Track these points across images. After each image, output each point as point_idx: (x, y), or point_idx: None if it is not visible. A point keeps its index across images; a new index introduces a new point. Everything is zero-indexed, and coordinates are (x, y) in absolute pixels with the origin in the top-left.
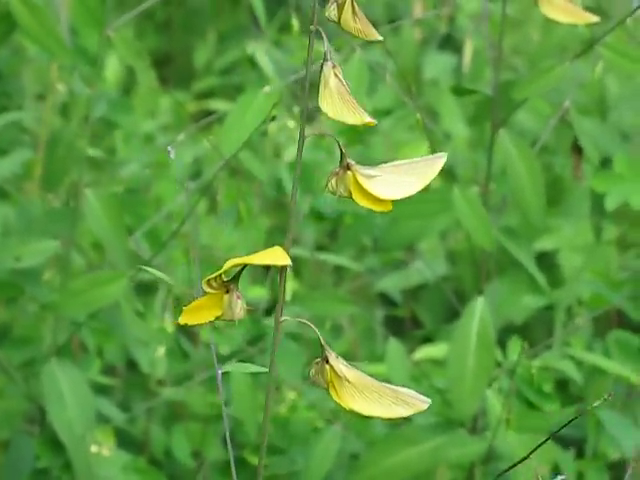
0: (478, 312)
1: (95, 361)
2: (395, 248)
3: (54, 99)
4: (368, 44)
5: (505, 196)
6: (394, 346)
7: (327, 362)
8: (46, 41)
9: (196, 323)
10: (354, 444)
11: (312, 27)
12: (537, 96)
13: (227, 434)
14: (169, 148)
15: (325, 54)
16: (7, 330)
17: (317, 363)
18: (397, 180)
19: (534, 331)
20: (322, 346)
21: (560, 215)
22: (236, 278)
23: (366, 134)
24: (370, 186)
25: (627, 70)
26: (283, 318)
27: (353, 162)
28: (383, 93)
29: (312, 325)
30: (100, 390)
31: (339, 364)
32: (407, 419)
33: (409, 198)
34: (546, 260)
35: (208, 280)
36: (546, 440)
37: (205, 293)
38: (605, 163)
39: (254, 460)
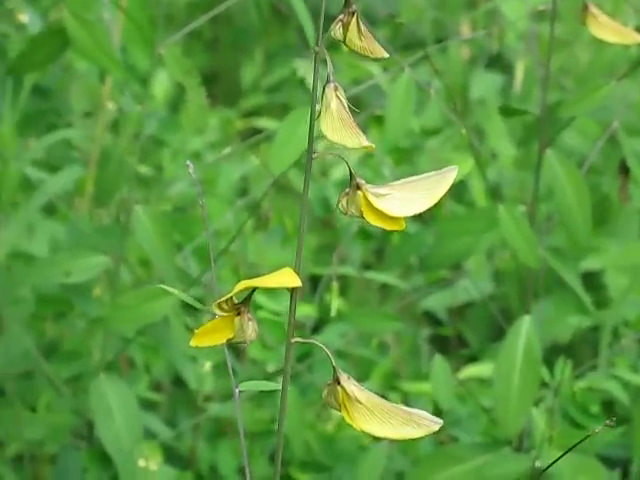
0: (524, 331)
1: (143, 377)
2: (441, 266)
3: (104, 117)
4: (416, 63)
5: (552, 215)
6: (439, 364)
7: (339, 384)
8: (99, 57)
9: (208, 345)
10: (400, 462)
11: (316, 48)
12: (584, 115)
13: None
14: (188, 162)
15: (328, 76)
16: (56, 345)
17: (329, 385)
18: (408, 197)
19: (579, 351)
20: (334, 367)
21: (606, 235)
22: (247, 300)
23: (414, 154)
24: (381, 205)
25: None
26: (294, 340)
27: (363, 181)
28: (431, 112)
29: (323, 346)
30: (147, 406)
31: (351, 385)
32: (454, 438)
33: (455, 216)
34: (592, 280)
35: (219, 303)
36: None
37: (216, 316)
38: None
39: (300, 477)
